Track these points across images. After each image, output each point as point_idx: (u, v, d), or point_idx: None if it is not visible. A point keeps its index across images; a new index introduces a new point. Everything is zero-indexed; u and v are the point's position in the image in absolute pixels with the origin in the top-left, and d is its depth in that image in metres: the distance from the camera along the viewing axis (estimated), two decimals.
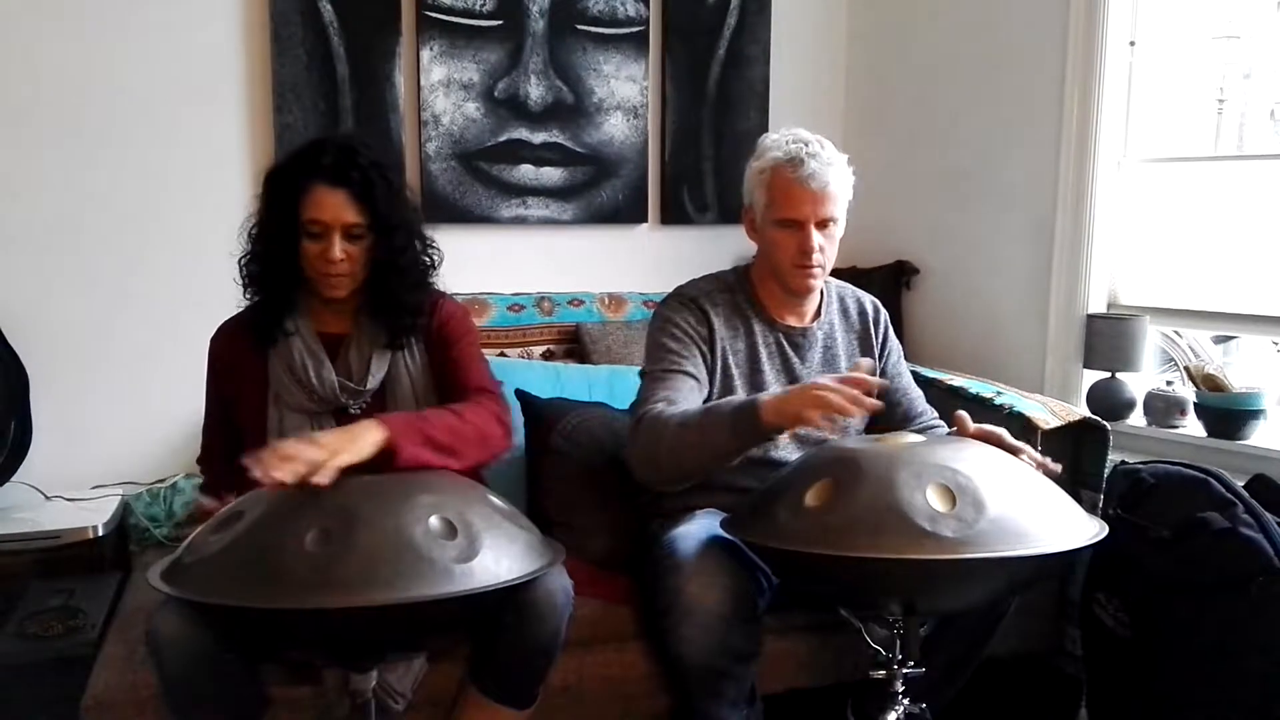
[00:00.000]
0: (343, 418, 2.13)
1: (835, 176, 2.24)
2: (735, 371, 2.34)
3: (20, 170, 2.98)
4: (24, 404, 2.89)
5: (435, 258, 2.20)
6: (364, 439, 1.83)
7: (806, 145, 2.23)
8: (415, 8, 3.34)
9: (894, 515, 1.73)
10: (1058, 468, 2.05)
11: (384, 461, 1.85)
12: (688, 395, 2.24)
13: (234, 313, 2.20)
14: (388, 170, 2.10)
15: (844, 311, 2.49)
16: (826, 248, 2.28)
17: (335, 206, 2.02)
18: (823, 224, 2.26)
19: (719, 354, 2.32)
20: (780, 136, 2.28)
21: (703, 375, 2.30)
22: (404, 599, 1.57)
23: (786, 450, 2.31)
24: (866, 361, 1.96)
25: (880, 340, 2.50)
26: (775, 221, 2.26)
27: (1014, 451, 2.04)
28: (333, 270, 2.04)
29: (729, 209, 3.82)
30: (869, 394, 1.91)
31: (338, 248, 2.03)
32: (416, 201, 2.23)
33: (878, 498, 1.77)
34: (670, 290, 2.44)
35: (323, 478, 1.70)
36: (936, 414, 2.52)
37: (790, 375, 2.39)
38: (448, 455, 1.95)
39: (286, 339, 2.12)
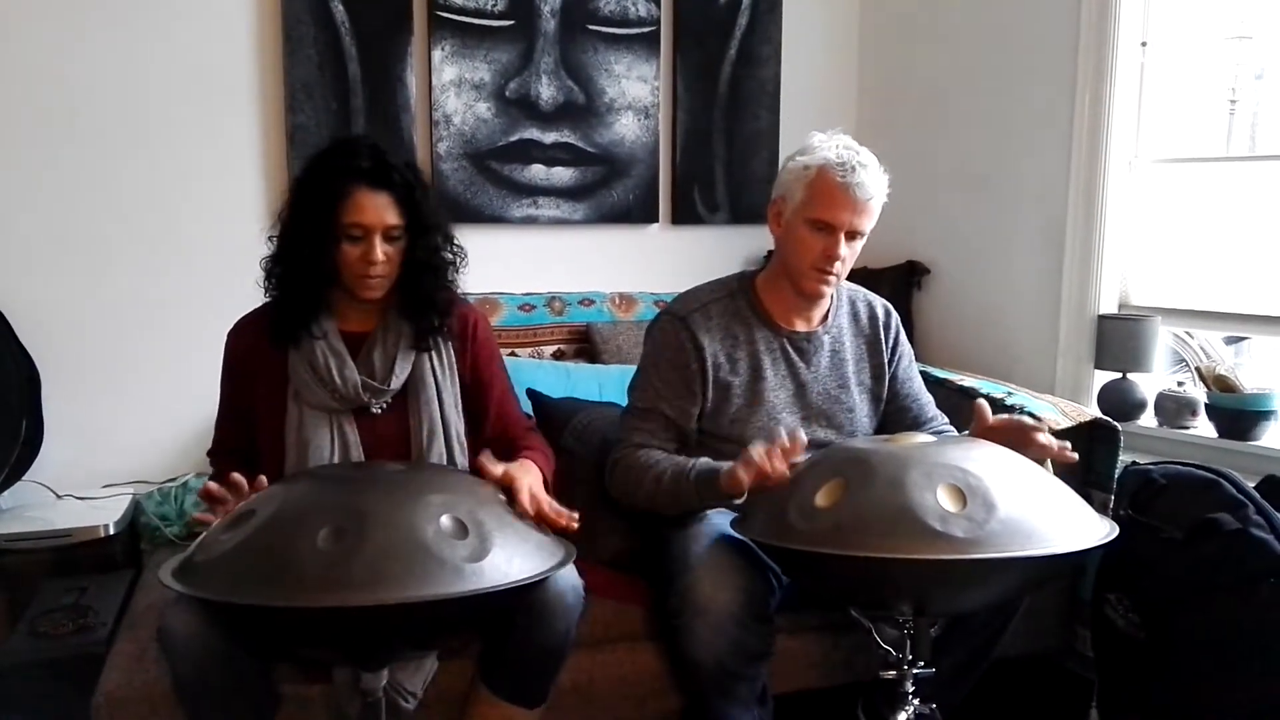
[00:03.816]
0: (363, 416, 2.14)
1: (878, 193, 2.24)
2: (734, 380, 2.34)
3: (32, 171, 2.99)
4: (35, 403, 2.90)
5: (459, 256, 2.21)
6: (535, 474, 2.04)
7: (858, 154, 2.23)
8: (427, 8, 3.35)
9: (905, 515, 1.73)
10: (1074, 456, 2.06)
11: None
12: (662, 438, 2.32)
13: (251, 308, 2.20)
14: (420, 171, 2.13)
15: (854, 315, 2.48)
16: (848, 259, 2.28)
17: (378, 209, 2.02)
18: (852, 235, 2.26)
19: (709, 371, 2.32)
20: (829, 139, 2.27)
21: (681, 411, 2.33)
22: (415, 598, 1.58)
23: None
24: (801, 440, 1.98)
25: (891, 344, 2.50)
26: (808, 220, 2.25)
27: (1033, 432, 2.06)
28: (372, 272, 2.05)
29: (740, 209, 3.82)
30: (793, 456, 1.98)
31: (379, 250, 2.03)
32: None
33: (888, 498, 1.77)
34: (678, 293, 2.45)
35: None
36: (947, 419, 2.52)
37: (796, 380, 2.38)
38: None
39: (311, 339, 2.12)
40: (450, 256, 2.18)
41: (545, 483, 2.08)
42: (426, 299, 2.14)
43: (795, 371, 2.39)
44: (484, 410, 2.25)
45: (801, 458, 2.06)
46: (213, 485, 1.87)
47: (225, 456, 2.18)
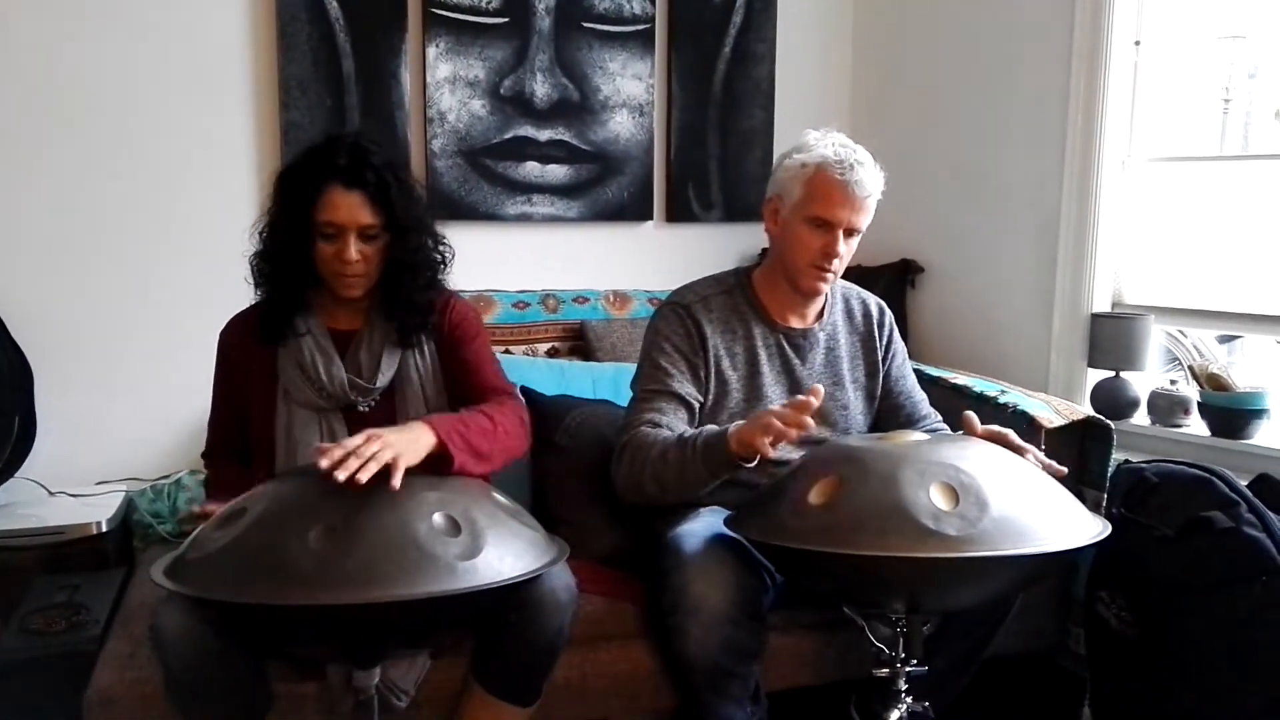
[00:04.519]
0: (351, 415, 2.14)
1: (875, 190, 2.25)
2: (732, 375, 2.34)
3: (26, 167, 2.98)
4: (29, 399, 2.90)
5: (446, 256, 2.20)
6: (421, 442, 1.86)
7: (855, 152, 2.24)
8: (422, 5, 3.34)
9: (898, 513, 1.73)
10: (1063, 470, 2.05)
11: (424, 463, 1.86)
12: (673, 416, 2.27)
13: (244, 306, 2.20)
14: (400, 170, 2.11)
15: (848, 313, 2.49)
16: (845, 256, 2.29)
17: (351, 208, 2.01)
18: (850, 232, 2.26)
19: (712, 362, 2.32)
20: (824, 136, 2.27)
21: (691, 391, 2.31)
22: (407, 596, 1.57)
23: (788, 449, 2.31)
24: (819, 388, 1.95)
25: (884, 342, 2.50)
26: (806, 218, 2.25)
27: (1020, 452, 2.04)
28: (348, 271, 2.04)
29: (734, 207, 3.82)
30: (810, 413, 1.91)
31: (353, 249, 2.02)
32: (426, 199, 2.23)
33: (881, 496, 1.76)
34: (674, 289, 2.45)
35: (394, 481, 1.72)
36: (940, 417, 2.51)
37: (790, 377, 2.38)
38: (484, 461, 1.99)
39: (297, 336, 2.12)
40: (436, 257, 2.17)
41: (469, 444, 1.96)
42: (406, 299, 2.13)
43: (790, 368, 2.39)
44: (468, 388, 2.22)
45: (795, 455, 2.06)
46: (211, 506, 1.86)
47: (220, 458, 2.19)
